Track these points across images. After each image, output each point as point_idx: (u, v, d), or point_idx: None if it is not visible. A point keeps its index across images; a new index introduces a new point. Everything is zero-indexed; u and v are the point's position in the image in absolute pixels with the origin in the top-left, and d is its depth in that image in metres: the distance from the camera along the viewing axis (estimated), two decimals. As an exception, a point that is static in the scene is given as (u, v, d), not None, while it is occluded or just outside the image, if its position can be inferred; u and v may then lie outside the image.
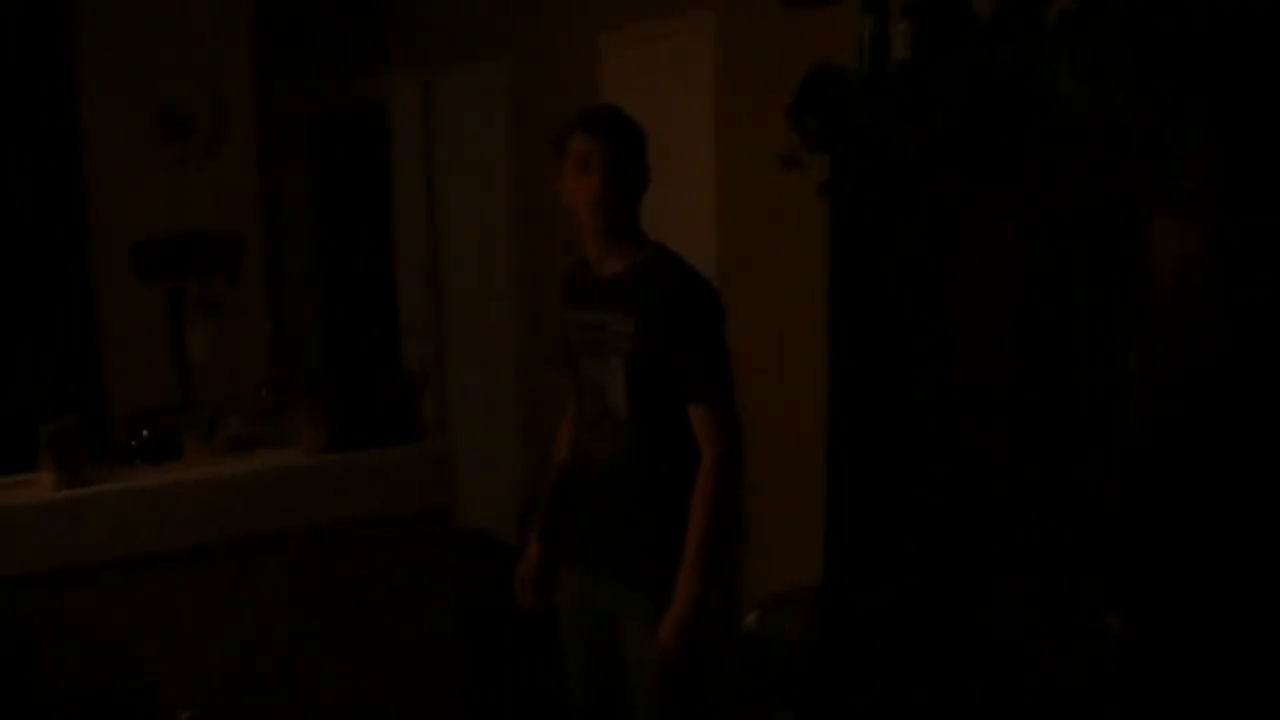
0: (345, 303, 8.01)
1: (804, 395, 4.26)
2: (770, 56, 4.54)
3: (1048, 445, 2.79)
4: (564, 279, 3.29)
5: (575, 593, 3.25)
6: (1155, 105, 2.45)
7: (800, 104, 3.31)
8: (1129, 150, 2.52)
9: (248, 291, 7.07)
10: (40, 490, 3.72)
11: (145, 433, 4.14)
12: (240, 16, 6.97)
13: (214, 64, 6.87)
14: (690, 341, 2.96)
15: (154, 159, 6.73)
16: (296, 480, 4.01)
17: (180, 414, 4.54)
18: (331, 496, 4.03)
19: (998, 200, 2.87)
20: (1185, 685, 2.51)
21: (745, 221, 4.79)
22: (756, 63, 4.64)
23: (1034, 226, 2.78)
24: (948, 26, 3.10)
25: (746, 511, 4.86)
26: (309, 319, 7.91)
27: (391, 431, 4.20)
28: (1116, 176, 2.55)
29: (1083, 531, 2.70)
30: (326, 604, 4.07)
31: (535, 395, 6.46)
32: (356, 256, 7.92)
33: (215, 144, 6.91)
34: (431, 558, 4.23)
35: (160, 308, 6.78)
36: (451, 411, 7.29)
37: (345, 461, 4.08)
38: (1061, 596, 2.77)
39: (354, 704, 4.12)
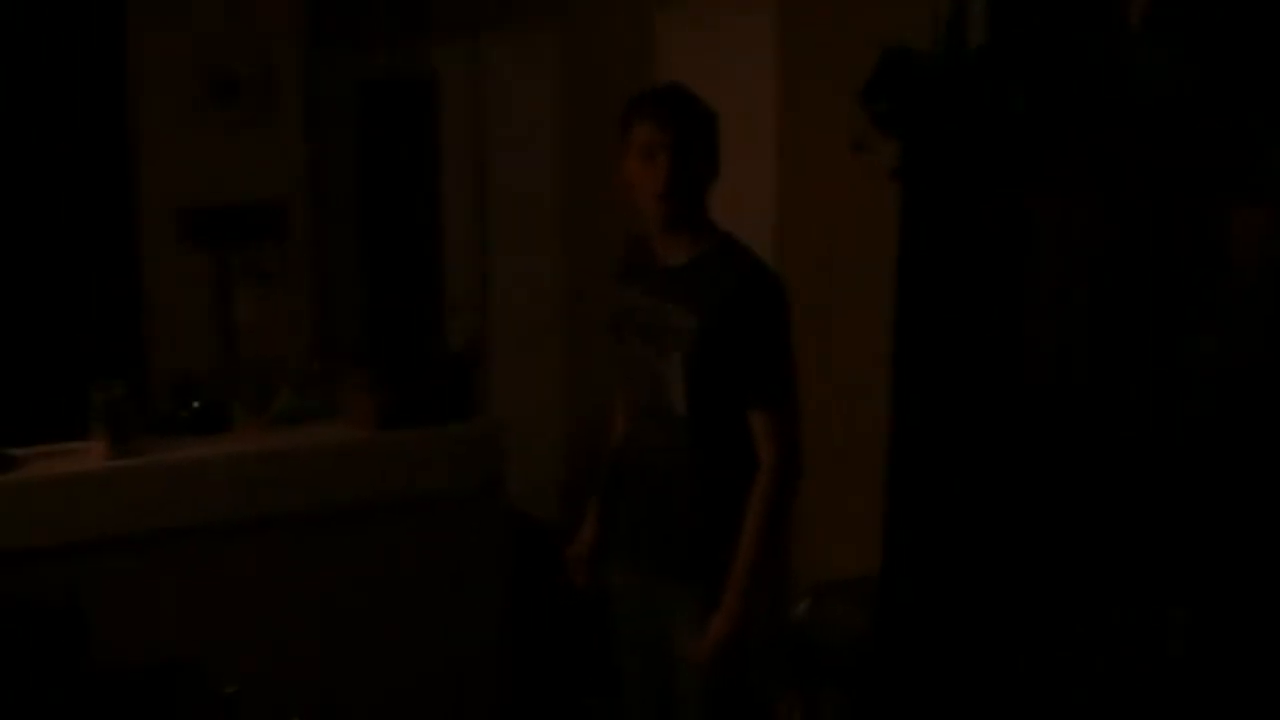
0: (390, 275, 7.96)
1: (860, 384, 4.21)
2: (834, 38, 4.46)
3: (1116, 439, 2.74)
4: (624, 254, 3.23)
5: (625, 585, 3.21)
6: (1240, 94, 2.39)
7: (874, 86, 3.24)
8: (1211, 139, 2.46)
9: (293, 261, 7.03)
10: (94, 459, 3.70)
11: (196, 403, 4.11)
12: (289, -17, 6.93)
13: (262, 31, 6.82)
14: (754, 344, 2.91)
15: (202, 126, 6.69)
16: (348, 456, 3.98)
17: (229, 384, 4.50)
18: (383, 473, 4.01)
19: (1075, 188, 2.81)
20: (1249, 680, 2.47)
21: (807, 208, 4.72)
22: (820, 44, 4.57)
23: (1112, 216, 2.72)
24: (1027, 8, 3.03)
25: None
26: (353, 290, 7.87)
27: (444, 408, 4.16)
28: (1198, 166, 2.50)
29: (1148, 524, 2.66)
30: (375, 581, 4.04)
31: (581, 375, 6.41)
32: (402, 228, 7.87)
33: (263, 112, 6.86)
34: (482, 537, 4.20)
35: (206, 276, 6.75)
36: (495, 390, 7.25)
37: (398, 438, 4.05)
38: (1125, 588, 2.73)
39: (401, 683, 4.09)
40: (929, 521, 3.30)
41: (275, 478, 3.86)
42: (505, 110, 6.95)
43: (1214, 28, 2.45)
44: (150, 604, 3.71)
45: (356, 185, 7.85)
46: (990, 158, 3.03)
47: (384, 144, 7.83)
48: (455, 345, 6.89)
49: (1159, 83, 2.54)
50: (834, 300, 4.51)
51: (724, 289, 2.92)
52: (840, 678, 3.76)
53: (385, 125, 7.83)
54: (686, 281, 2.98)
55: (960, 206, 3.12)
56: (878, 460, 3.43)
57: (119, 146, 6.57)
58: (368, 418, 4.03)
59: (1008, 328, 3.01)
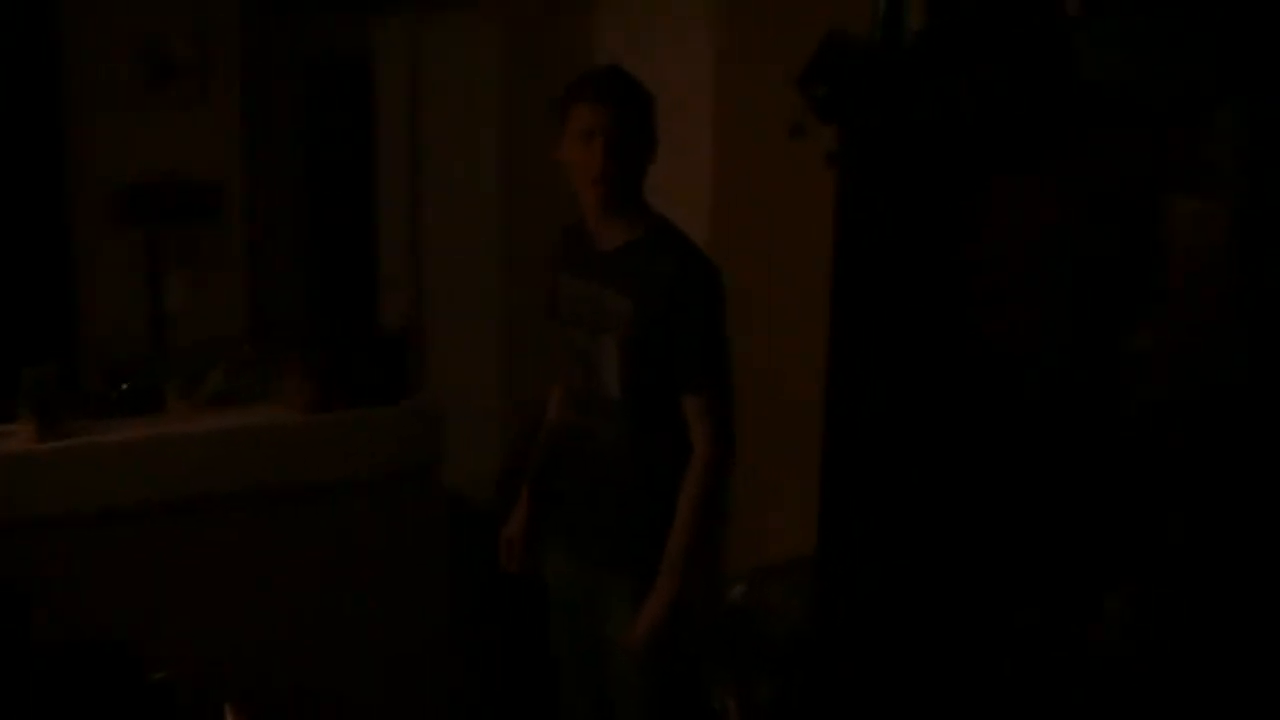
0: (325, 254, 7.91)
1: (796, 368, 4.22)
2: (772, 22, 4.47)
3: (1056, 424, 2.76)
4: (560, 239, 3.22)
5: (561, 570, 3.22)
6: (1184, 80, 2.41)
7: (812, 71, 3.25)
8: (1154, 125, 2.48)
9: (228, 241, 6.96)
10: (22, 441, 3.64)
11: (126, 385, 4.06)
12: (226, -43, 6.84)
13: (199, 7, 6.73)
14: (688, 329, 2.91)
15: (137, 104, 6.60)
16: (283, 437, 3.94)
17: (161, 365, 4.46)
18: (319, 454, 3.97)
19: (1015, 175, 2.83)
20: (1184, 667, 2.49)
21: (743, 193, 4.73)
22: (758, 29, 4.57)
23: (1052, 203, 2.74)
24: (965, -3, 3.05)
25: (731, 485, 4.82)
26: (288, 270, 7.81)
27: (380, 390, 4.13)
28: (1141, 152, 2.52)
29: (1086, 511, 2.68)
30: (310, 564, 4.00)
31: (518, 355, 6.39)
32: (338, 208, 7.82)
33: (199, 90, 6.78)
34: (419, 519, 4.17)
35: (138, 255, 6.67)
36: (430, 373, 7.21)
37: (332, 420, 4.01)
38: (1061, 574, 2.75)
39: (338, 666, 4.06)
40: (865, 505, 3.31)
41: (207, 460, 3.81)
42: (445, 90, 6.92)
43: (1151, 15, 2.47)
44: (80, 587, 3.65)
45: (293, 165, 7.78)
46: (929, 144, 3.03)
47: (322, 124, 7.77)
48: (390, 326, 6.85)
49: (1097, 71, 2.55)
50: (770, 285, 4.51)
51: (658, 274, 2.92)
52: (777, 662, 3.77)
53: (324, 105, 7.77)
54: (621, 266, 2.98)
55: (898, 192, 3.13)
56: (814, 444, 3.43)
57: (51, 125, 6.46)
58: (302, 400, 4.00)
59: (946, 314, 3.02)
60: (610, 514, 3.07)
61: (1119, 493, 2.60)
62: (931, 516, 3.10)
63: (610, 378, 2.98)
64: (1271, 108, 2.30)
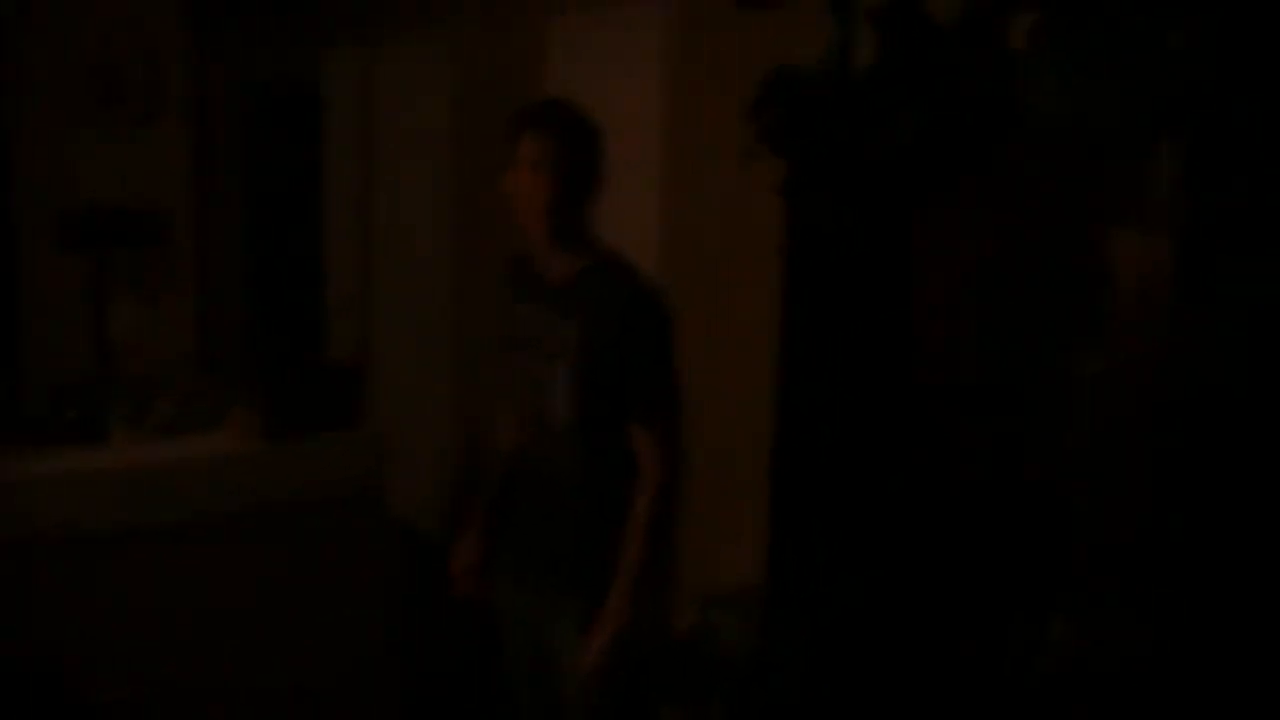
0: (273, 282, 7.87)
1: (745, 396, 4.24)
2: (722, 53, 4.49)
3: (1000, 451, 2.79)
4: (509, 268, 3.23)
5: (511, 595, 3.21)
6: (1124, 113, 2.44)
7: (761, 102, 3.27)
8: (1095, 160, 2.51)
9: (175, 267, 6.92)
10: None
11: (71, 412, 4.03)
12: (176, -16, 6.83)
13: (148, 32, 6.71)
14: (638, 358, 2.93)
15: (84, 129, 6.57)
16: (231, 466, 3.92)
17: (106, 393, 4.42)
18: (267, 483, 3.94)
19: (963, 204, 2.86)
20: (1128, 684, 2.52)
21: (691, 223, 4.75)
22: (708, 59, 4.59)
23: (999, 230, 2.77)
24: (912, 31, 3.08)
25: (678, 513, 4.84)
26: (236, 298, 7.77)
27: (329, 418, 4.12)
28: (1081, 185, 2.55)
29: (1030, 536, 2.70)
30: (258, 593, 3.97)
31: (467, 383, 6.38)
32: (286, 236, 7.79)
33: (148, 114, 6.75)
34: (366, 546, 4.16)
35: (84, 280, 6.62)
36: (379, 401, 7.19)
37: (281, 448, 3.99)
38: (1008, 599, 2.77)
39: (285, 695, 4.03)
40: (814, 533, 3.32)
41: (155, 489, 3.78)
42: (395, 120, 6.91)
43: (1094, 52, 2.50)
44: (24, 615, 3.62)
45: (242, 192, 7.76)
46: (876, 175, 3.06)
47: (272, 151, 7.75)
48: (339, 355, 6.83)
49: (1040, 104, 2.59)
50: (719, 313, 4.53)
51: (607, 303, 2.94)
52: (727, 688, 3.78)
53: (273, 133, 7.75)
54: (570, 297, 2.99)
55: (846, 222, 3.16)
56: (763, 471, 3.45)
57: (-2, 148, 6.44)
58: (252, 428, 3.98)
59: (894, 341, 3.05)
60: (561, 539, 3.07)
61: (1061, 516, 2.63)
62: (879, 542, 3.12)
63: (561, 404, 2.98)
64: (1210, 140, 2.33)
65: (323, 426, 4.09)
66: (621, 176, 4.58)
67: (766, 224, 3.50)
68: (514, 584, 3.19)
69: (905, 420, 3.04)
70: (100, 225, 6.61)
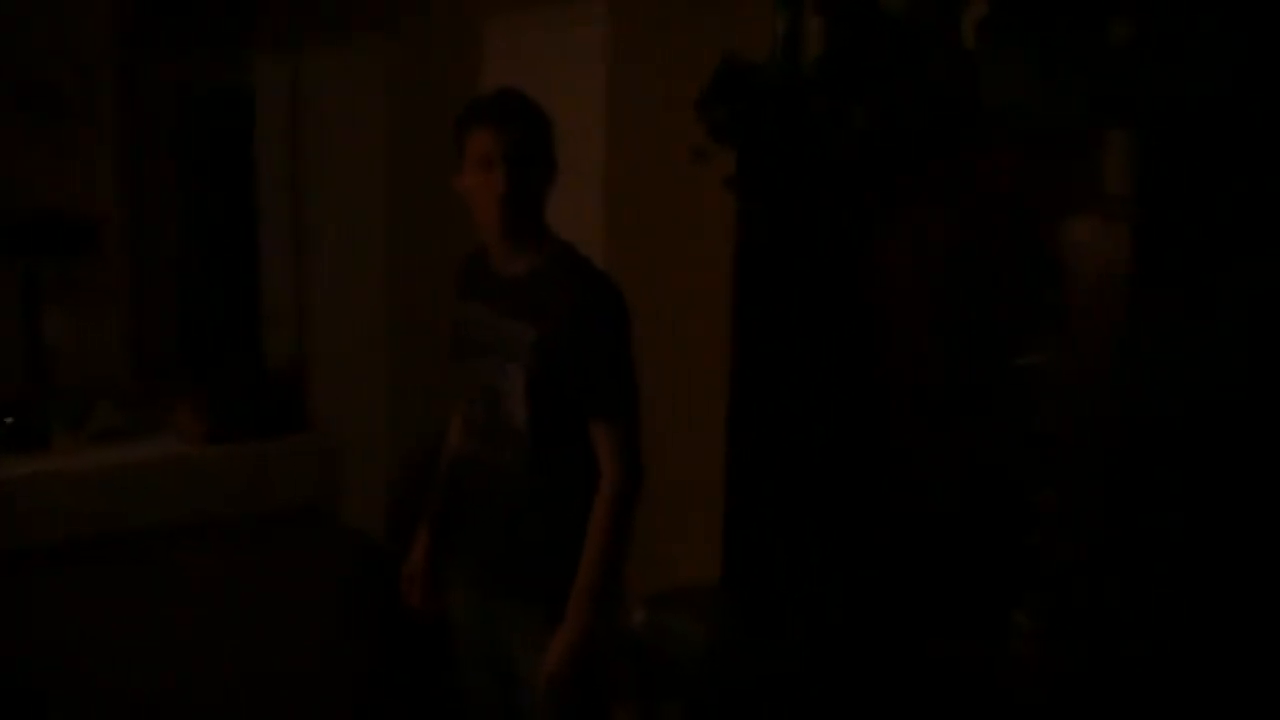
0: (207, 288, 7.78)
1: (696, 391, 4.22)
2: (666, 48, 4.48)
3: (961, 443, 2.79)
4: (461, 267, 3.17)
5: (465, 604, 3.16)
6: (1079, 104, 2.46)
7: (710, 95, 3.26)
8: (1050, 148, 2.52)
9: (108, 274, 6.81)
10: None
11: (9, 420, 3.96)
12: (105, -14, 6.72)
13: (79, 37, 6.59)
14: (595, 356, 2.88)
15: (11, 132, 6.44)
16: (175, 471, 3.87)
17: (43, 400, 4.35)
18: (216, 489, 3.90)
19: (914, 196, 2.86)
20: (1094, 671, 2.53)
21: (636, 220, 4.73)
22: (652, 55, 4.58)
23: (951, 221, 2.77)
24: (861, 22, 3.07)
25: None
26: (170, 305, 7.67)
27: (273, 422, 4.08)
28: (1037, 173, 2.56)
29: (993, 528, 2.71)
30: (208, 597, 3.92)
31: (407, 390, 6.32)
32: (219, 243, 7.70)
33: (77, 119, 6.64)
34: (314, 551, 4.12)
35: (14, 288, 6.50)
36: (317, 404, 7.12)
37: (228, 452, 3.95)
38: (970, 591, 2.78)
39: (235, 702, 3.97)
40: (770, 529, 3.32)
41: (98, 497, 3.72)
42: (328, 124, 6.84)
43: (1047, 42, 2.51)
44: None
45: (175, 198, 7.65)
46: (827, 167, 3.06)
47: (204, 156, 7.66)
48: (273, 361, 6.77)
49: (992, 94, 2.59)
50: (669, 309, 4.52)
51: (564, 301, 2.89)
52: (681, 688, 3.76)
53: (206, 137, 7.66)
54: (526, 294, 2.94)
55: (797, 214, 3.16)
56: (715, 468, 3.44)
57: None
58: (196, 433, 3.93)
59: (847, 334, 3.05)
60: (517, 546, 3.02)
61: (1019, 509, 2.63)
62: (837, 541, 3.12)
63: (516, 407, 2.93)
64: (1161, 129, 2.35)
65: (268, 430, 4.04)
66: (564, 178, 4.57)
67: (717, 220, 3.50)
68: (468, 593, 3.14)
69: (862, 415, 3.04)
70: (30, 233, 6.49)
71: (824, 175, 3.07)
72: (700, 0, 4.17)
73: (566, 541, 2.92)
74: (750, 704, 3.42)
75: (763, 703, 3.37)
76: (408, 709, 4.73)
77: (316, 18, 6.81)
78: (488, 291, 3.02)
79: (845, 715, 3.11)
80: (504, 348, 2.93)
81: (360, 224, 6.60)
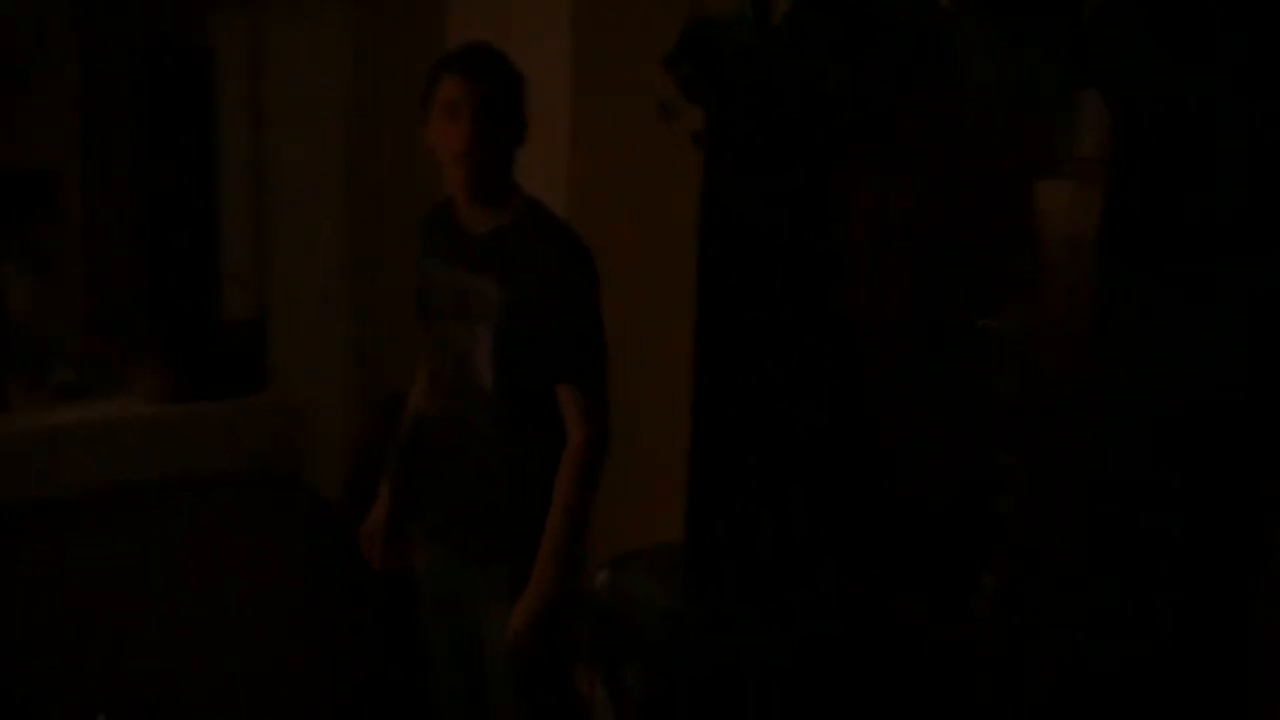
0: (165, 247, 7.72)
1: (659, 350, 4.21)
2: (632, 4, 4.44)
3: (931, 406, 2.79)
4: (424, 220, 3.14)
5: (429, 564, 3.16)
6: (1055, 70, 2.45)
7: (678, 51, 3.24)
8: (1023, 111, 2.51)
9: (64, 232, 6.75)
10: None
11: (-35, 380, 3.92)
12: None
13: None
14: (564, 316, 2.86)
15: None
16: (138, 430, 3.83)
17: (2, 360, 4.30)
18: (177, 448, 3.86)
19: (884, 155, 2.85)
20: (1048, 638, 2.54)
21: (602, 178, 4.70)
22: (617, 11, 4.54)
23: (921, 182, 2.76)
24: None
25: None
26: (127, 262, 7.61)
27: (236, 380, 4.04)
28: (1009, 137, 2.55)
29: (960, 494, 2.71)
30: (171, 560, 3.89)
31: (369, 349, 6.29)
32: (179, 199, 7.63)
33: (34, 79, 6.56)
34: (277, 510, 4.09)
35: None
36: (278, 364, 7.06)
37: (189, 410, 3.91)
38: (938, 558, 2.78)
39: (201, 667, 3.95)
40: (736, 490, 3.31)
41: (59, 456, 3.68)
42: (287, 80, 6.77)
43: (1019, 11, 2.50)
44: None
45: (133, 156, 7.58)
46: (796, 125, 3.04)
47: (163, 114, 7.59)
48: (234, 318, 6.72)
49: (965, 54, 2.58)
50: (633, 268, 4.50)
51: (531, 259, 2.87)
52: (644, 649, 3.76)
53: (163, 95, 7.58)
54: (492, 251, 2.91)
55: (765, 173, 3.14)
56: (678, 429, 3.43)
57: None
58: (156, 391, 3.89)
59: (814, 296, 3.04)
60: (483, 506, 3.01)
61: (986, 474, 2.63)
62: (803, 499, 3.11)
63: (483, 367, 2.91)
64: (1137, 95, 2.34)
65: (230, 388, 4.01)
66: (530, 134, 4.55)
67: (684, 177, 3.47)
68: (433, 552, 3.13)
69: (828, 376, 3.03)
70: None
71: (792, 131, 3.05)
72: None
73: (532, 503, 2.91)
74: (711, 666, 3.42)
75: (723, 665, 3.37)
76: (372, 669, 4.73)
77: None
78: (454, 247, 2.99)
79: (808, 677, 3.12)
80: (471, 308, 2.91)
81: (321, 183, 6.54)
